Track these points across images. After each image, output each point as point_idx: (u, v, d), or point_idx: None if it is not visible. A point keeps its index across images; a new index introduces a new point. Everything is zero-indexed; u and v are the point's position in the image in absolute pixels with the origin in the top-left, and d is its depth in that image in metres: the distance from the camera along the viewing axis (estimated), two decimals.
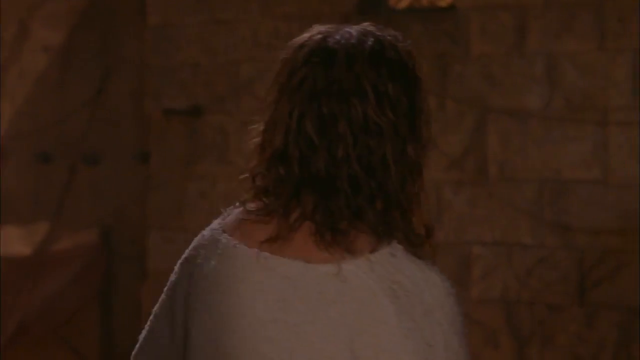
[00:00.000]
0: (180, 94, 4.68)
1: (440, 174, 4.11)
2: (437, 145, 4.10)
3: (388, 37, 1.40)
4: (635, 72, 3.78)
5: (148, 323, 1.48)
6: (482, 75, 4.04)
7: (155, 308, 1.47)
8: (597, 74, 3.86)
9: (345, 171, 1.34)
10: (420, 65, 1.41)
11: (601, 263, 3.85)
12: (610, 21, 3.83)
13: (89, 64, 4.88)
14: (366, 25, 1.42)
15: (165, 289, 1.46)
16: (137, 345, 1.48)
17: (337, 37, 1.39)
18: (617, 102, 3.82)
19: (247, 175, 1.42)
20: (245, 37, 4.53)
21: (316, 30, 1.42)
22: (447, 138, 4.08)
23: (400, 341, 1.30)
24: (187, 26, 4.67)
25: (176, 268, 1.46)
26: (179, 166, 4.69)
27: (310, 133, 1.35)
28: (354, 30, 1.40)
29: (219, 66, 4.60)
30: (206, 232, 1.44)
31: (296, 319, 1.33)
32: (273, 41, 4.48)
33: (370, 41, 1.38)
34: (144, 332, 1.48)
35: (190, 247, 1.45)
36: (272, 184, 1.38)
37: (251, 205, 1.41)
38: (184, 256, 1.45)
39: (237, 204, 1.45)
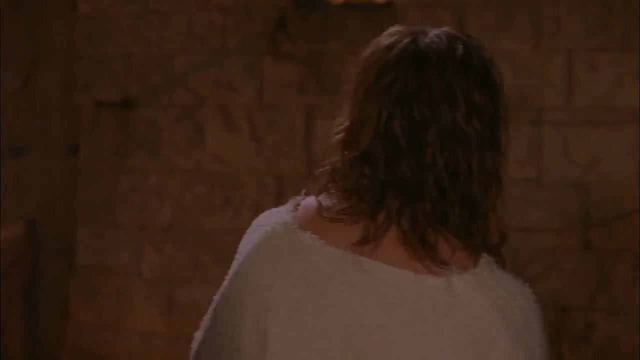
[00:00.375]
0: (111, 86, 4.68)
1: None
2: None
3: (474, 44, 1.42)
4: (570, 73, 3.89)
5: (211, 312, 1.46)
6: None
7: (218, 296, 1.45)
8: (533, 74, 3.96)
9: (432, 177, 1.36)
10: (500, 74, 1.43)
11: (535, 261, 3.95)
12: (547, 21, 3.93)
13: (16, 52, 4.85)
14: (450, 29, 1.43)
15: (229, 277, 1.44)
16: (202, 333, 1.47)
17: (427, 40, 1.40)
18: (552, 102, 3.92)
19: (324, 169, 1.42)
20: (180, 28, 4.55)
21: (399, 31, 1.43)
22: None
23: (511, 354, 1.35)
24: (119, 16, 4.66)
25: (240, 258, 1.44)
26: (109, 159, 4.69)
27: (397, 135, 1.36)
28: (441, 34, 1.42)
29: (152, 58, 4.60)
30: (277, 225, 1.42)
31: (407, 329, 1.34)
32: (208, 33, 4.50)
33: (460, 48, 1.40)
34: (206, 321, 1.47)
35: (257, 239, 1.43)
36: (355, 183, 1.39)
37: (327, 203, 1.41)
38: (249, 248, 1.43)
39: (303, 195, 1.45)
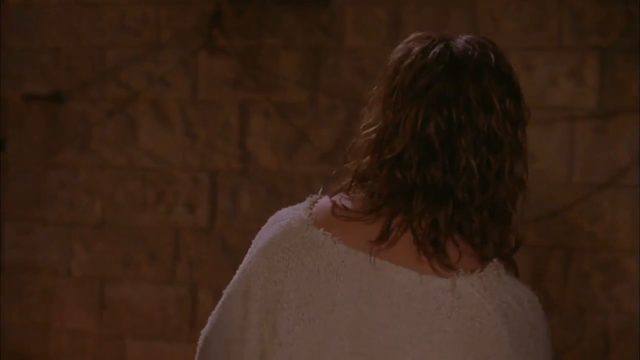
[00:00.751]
0: (40, 79, 4.66)
1: (310, 168, 4.24)
2: (309, 139, 4.24)
3: (500, 52, 1.47)
4: None
5: (220, 305, 1.50)
6: (355, 68, 4.18)
7: (229, 290, 1.49)
8: None
9: (463, 181, 1.40)
10: (519, 81, 1.48)
11: None
12: (483, 19, 4.02)
13: None
14: (476, 37, 1.48)
15: (240, 272, 1.49)
16: (210, 326, 1.51)
17: (460, 47, 1.45)
18: None
19: (347, 168, 1.45)
20: (112, 21, 4.55)
21: (429, 36, 1.47)
22: (319, 132, 4.21)
23: (511, 359, 1.39)
24: (49, 7, 4.64)
25: (254, 252, 1.48)
26: (38, 154, 4.67)
27: (432, 139, 1.40)
28: (471, 40, 1.47)
29: (83, 51, 4.60)
30: (293, 221, 1.47)
31: (412, 329, 1.38)
32: (141, 27, 4.51)
33: (492, 56, 1.45)
34: (214, 315, 1.50)
35: (272, 233, 1.47)
36: (384, 185, 1.42)
37: (343, 202, 1.45)
38: (263, 242, 1.48)
39: (321, 193, 1.49)
